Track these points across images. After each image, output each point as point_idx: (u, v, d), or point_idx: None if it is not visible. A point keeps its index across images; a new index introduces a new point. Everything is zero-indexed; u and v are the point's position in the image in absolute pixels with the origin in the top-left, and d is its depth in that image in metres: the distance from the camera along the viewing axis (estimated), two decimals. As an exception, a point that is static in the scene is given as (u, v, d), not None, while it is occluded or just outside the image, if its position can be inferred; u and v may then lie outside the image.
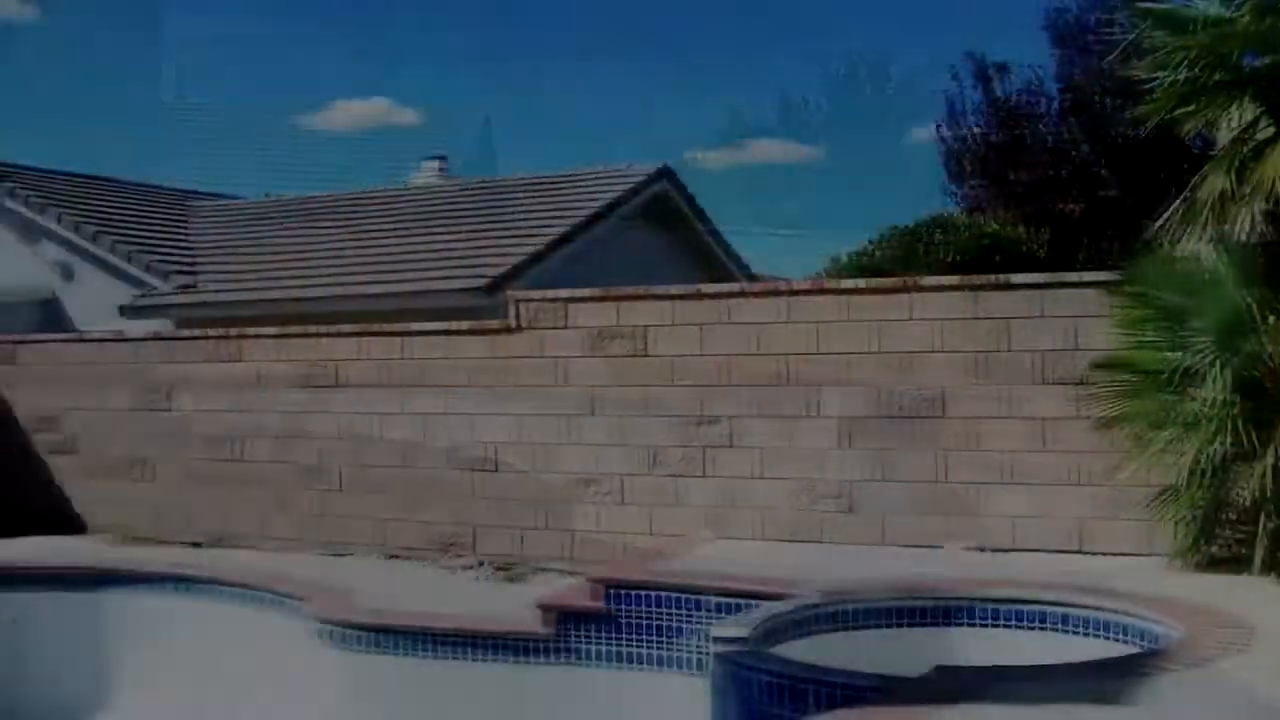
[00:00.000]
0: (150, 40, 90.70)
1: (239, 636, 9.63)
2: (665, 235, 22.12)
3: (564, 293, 10.38)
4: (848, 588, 7.41)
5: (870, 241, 20.45)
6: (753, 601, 7.26)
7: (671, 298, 9.91)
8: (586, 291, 10.27)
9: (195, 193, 27.53)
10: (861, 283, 9.72)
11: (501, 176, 23.05)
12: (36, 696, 10.15)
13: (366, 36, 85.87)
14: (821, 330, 9.37)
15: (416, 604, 8.74)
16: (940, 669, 5.68)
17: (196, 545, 11.88)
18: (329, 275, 19.41)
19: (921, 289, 9.23)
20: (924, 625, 7.24)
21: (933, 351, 9.09)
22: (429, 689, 8.10)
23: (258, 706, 9.24)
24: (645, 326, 9.93)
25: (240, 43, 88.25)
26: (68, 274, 21.81)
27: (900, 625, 7.23)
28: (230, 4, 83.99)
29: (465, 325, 10.91)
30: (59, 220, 21.89)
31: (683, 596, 7.70)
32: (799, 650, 6.61)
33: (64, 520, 12.86)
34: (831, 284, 9.91)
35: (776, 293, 9.68)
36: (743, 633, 6.49)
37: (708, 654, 7.01)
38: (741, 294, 9.91)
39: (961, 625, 7.23)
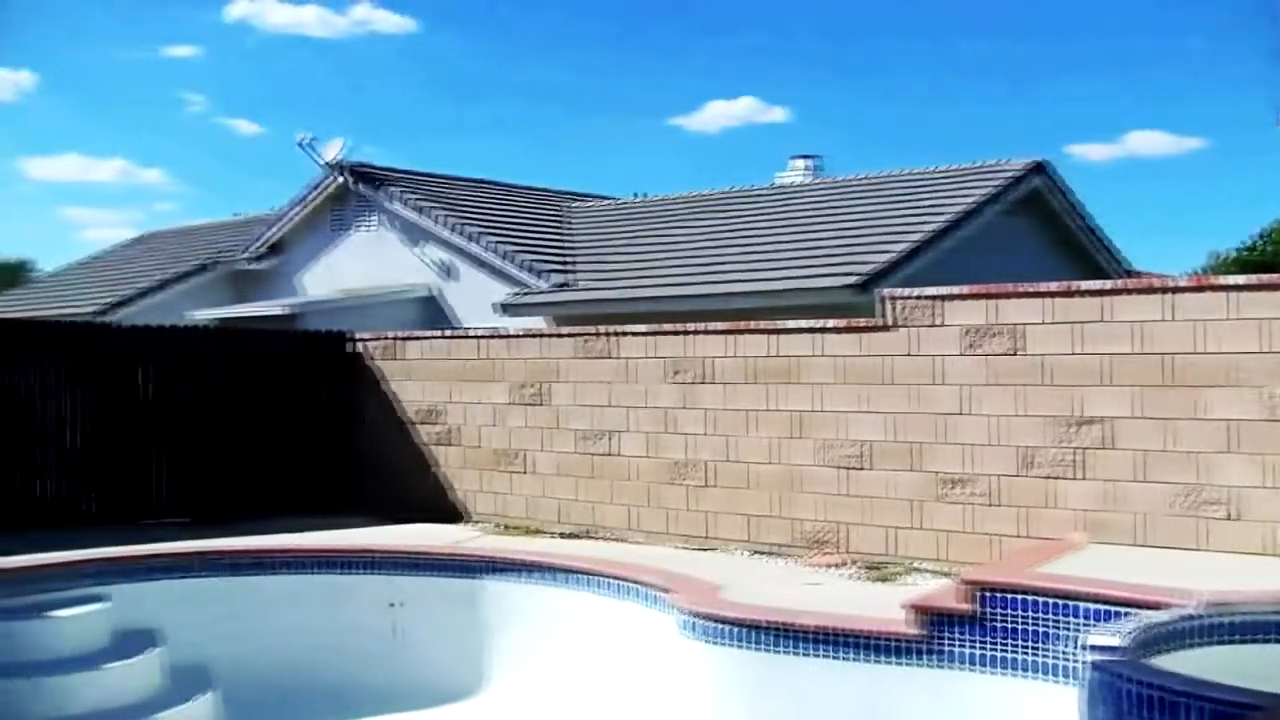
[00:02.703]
0: (520, 46, 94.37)
1: (606, 626, 9.97)
2: (1040, 231, 21.75)
3: (937, 290, 10.31)
4: (1230, 598, 7.16)
5: (1258, 236, 19.59)
6: (1128, 609, 7.10)
7: (1047, 295, 9.72)
8: (959, 289, 10.18)
9: (571, 193, 28.46)
10: (1248, 279, 9.31)
11: (871, 173, 23.03)
12: (414, 677, 10.73)
13: (735, 37, 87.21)
14: (1205, 329, 9.03)
15: (783, 600, 8.79)
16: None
17: (567, 536, 12.34)
18: (698, 272, 19.79)
19: (1315, 285, 8.82)
20: (1314, 642, 6.93)
21: (1329, 352, 8.68)
22: (792, 686, 8.12)
23: (621, 695, 9.55)
24: (1020, 324, 9.79)
25: (619, 45, 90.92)
26: (448, 273, 22.88)
27: (1286, 640, 6.95)
28: (604, 9, 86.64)
29: (837, 323, 10.95)
30: (441, 222, 22.97)
31: (1055, 601, 7.56)
32: (1177, 662, 6.43)
33: (444, 508, 13.59)
34: (1215, 280, 9.51)
35: (1156, 290, 9.37)
36: (1117, 641, 6.35)
37: (1079, 662, 6.90)
38: (1120, 291, 9.63)
39: (1358, 645, 6.89)
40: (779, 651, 8.18)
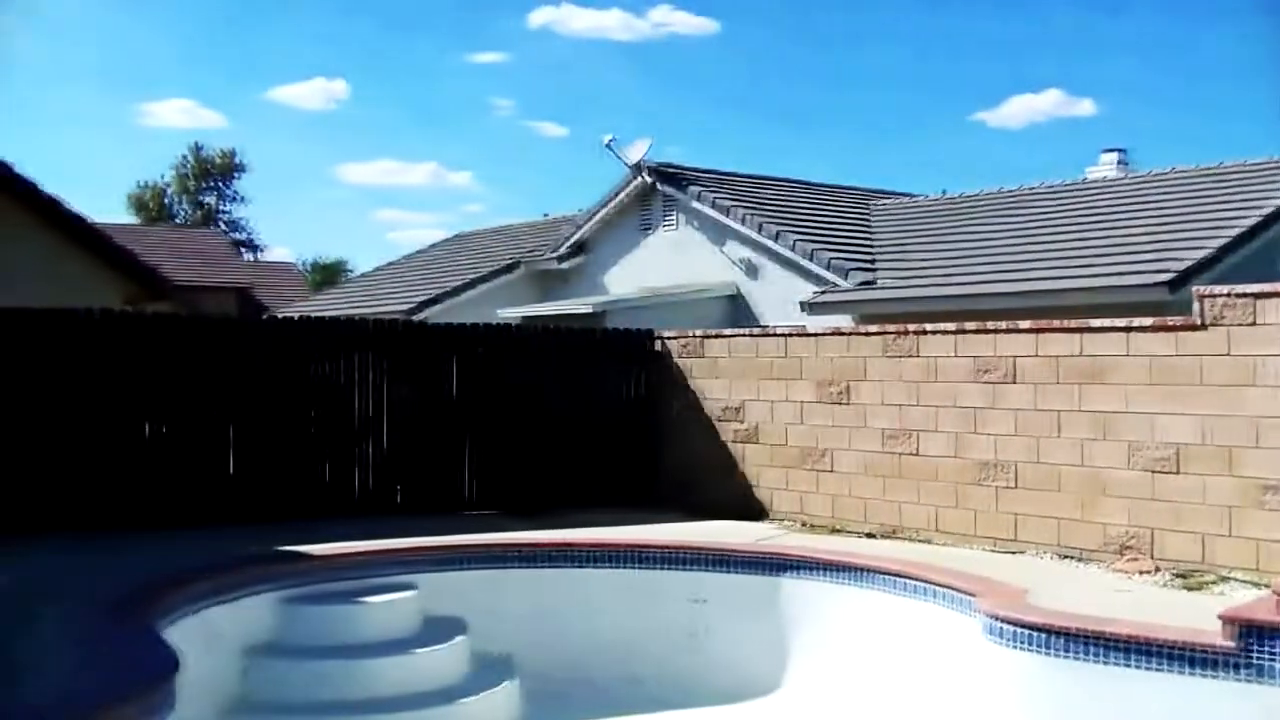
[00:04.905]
0: (819, 45, 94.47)
1: (909, 628, 10.02)
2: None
3: (1254, 288, 10.04)
4: None
5: None
6: None
7: (1373, 293, 9.41)
8: (1278, 286, 9.92)
9: (873, 191, 28.45)
10: None
11: (1181, 167, 22.37)
12: (713, 673, 10.96)
13: (1038, 29, 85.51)
14: None
15: (1090, 607, 8.68)
16: None
17: (870, 536, 12.43)
18: (1003, 270, 19.58)
19: None
20: None
21: None
22: (1099, 695, 8.03)
23: (923, 697, 9.59)
24: (1342, 324, 9.49)
25: (919, 40, 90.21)
26: (751, 271, 23.14)
27: None
28: (903, 4, 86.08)
29: (1147, 322, 10.75)
30: (744, 220, 23.22)
31: (1378, 615, 7.35)
32: None
33: (744, 505, 13.83)
34: None
35: None
36: None
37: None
38: None
39: None
40: (1086, 659, 8.09)
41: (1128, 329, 10.80)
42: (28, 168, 15.73)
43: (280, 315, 19.02)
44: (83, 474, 12.30)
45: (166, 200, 76.27)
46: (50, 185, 16.07)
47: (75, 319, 12.51)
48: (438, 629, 10.37)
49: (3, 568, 9.98)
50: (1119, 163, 26.06)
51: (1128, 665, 7.95)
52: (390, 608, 10.45)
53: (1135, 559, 10.50)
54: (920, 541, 12.01)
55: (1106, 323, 11.03)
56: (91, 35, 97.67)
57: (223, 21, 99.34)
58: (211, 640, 9.13)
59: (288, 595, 10.19)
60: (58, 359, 12.28)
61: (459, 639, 10.31)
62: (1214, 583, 9.76)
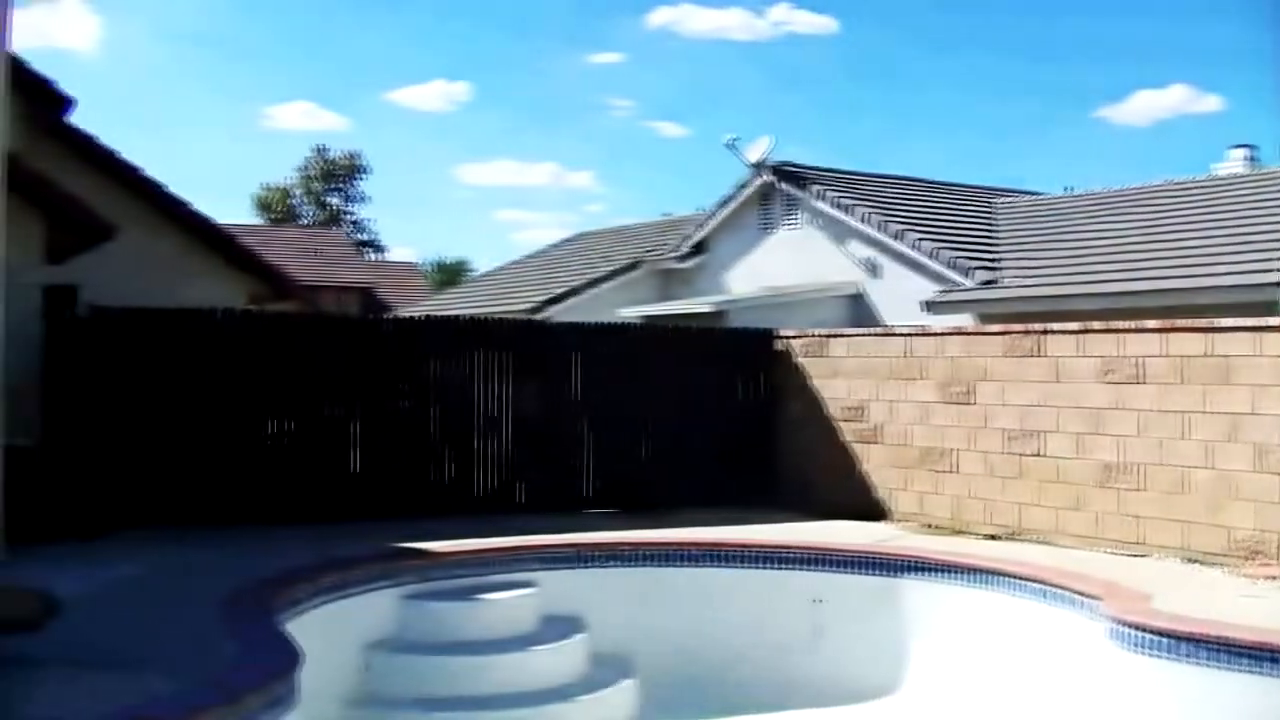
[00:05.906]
0: (941, 43, 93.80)
1: (1028, 631, 9.97)
2: None
3: (1386, 288, 9.90)
4: None
5: None
6: None
7: None
8: None
9: (996, 189, 28.19)
10: None
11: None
12: (831, 673, 10.94)
13: (1166, 22, 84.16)
14: None
15: (1216, 612, 8.59)
16: None
17: (992, 538, 12.37)
18: (1128, 269, 19.33)
19: None
20: None
21: None
22: (1225, 702, 7.91)
23: (1043, 700, 9.54)
24: None
25: (1043, 36, 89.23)
26: (873, 270, 23.03)
27: None
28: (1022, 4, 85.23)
29: (1277, 321, 10.63)
30: (865, 219, 23.12)
31: None
32: None
33: (865, 506, 13.83)
34: None
35: None
36: None
37: None
38: None
39: None
40: (1211, 665, 7.99)
41: (1258, 329, 10.65)
42: (156, 170, 16.08)
43: (402, 314, 19.25)
44: (212, 470, 12.60)
45: (293, 202, 77.32)
46: (177, 188, 16.44)
47: (205, 318, 12.82)
48: (556, 627, 10.51)
49: (133, 561, 10.26)
50: (1249, 159, 25.59)
51: (1253, 672, 7.83)
52: (509, 605, 10.61)
53: (1264, 564, 10.35)
54: (1042, 543, 11.92)
55: (1236, 322, 10.89)
56: (214, 40, 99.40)
57: (341, 25, 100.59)
58: (333, 635, 9.28)
59: (409, 591, 10.37)
60: (188, 357, 12.57)
61: (577, 637, 10.43)
62: (1344, 589, 9.60)
